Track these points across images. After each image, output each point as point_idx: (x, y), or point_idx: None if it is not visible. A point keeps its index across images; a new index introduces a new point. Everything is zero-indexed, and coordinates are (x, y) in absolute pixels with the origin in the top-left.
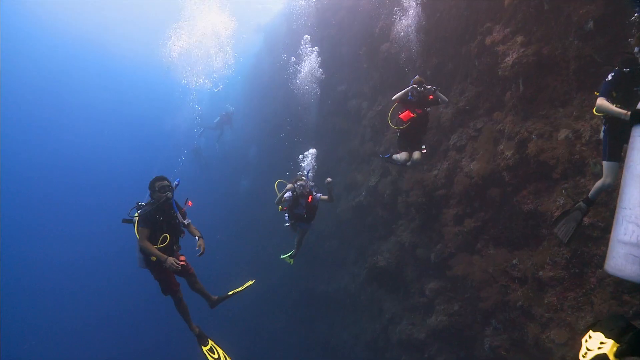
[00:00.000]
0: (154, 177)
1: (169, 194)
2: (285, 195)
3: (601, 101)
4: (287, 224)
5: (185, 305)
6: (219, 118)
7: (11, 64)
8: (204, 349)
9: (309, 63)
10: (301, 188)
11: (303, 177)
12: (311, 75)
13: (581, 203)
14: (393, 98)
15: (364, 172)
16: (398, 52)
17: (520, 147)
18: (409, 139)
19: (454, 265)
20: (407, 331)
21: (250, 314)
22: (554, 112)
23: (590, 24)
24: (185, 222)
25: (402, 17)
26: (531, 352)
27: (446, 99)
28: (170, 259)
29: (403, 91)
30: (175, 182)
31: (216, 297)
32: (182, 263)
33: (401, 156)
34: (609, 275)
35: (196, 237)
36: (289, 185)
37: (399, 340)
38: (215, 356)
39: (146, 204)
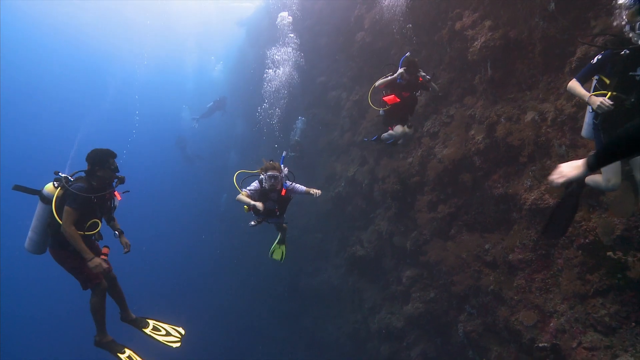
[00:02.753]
0: (103, 150)
1: (122, 177)
2: (249, 189)
3: (572, 82)
4: (253, 223)
5: (104, 302)
6: (212, 103)
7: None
8: (122, 356)
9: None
10: (272, 180)
11: (275, 164)
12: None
13: (574, 187)
14: (376, 84)
15: (343, 162)
16: (373, 41)
17: (489, 131)
18: (394, 117)
19: (428, 251)
20: (386, 320)
21: (234, 309)
22: (521, 95)
23: (552, 5)
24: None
25: (376, 5)
26: (502, 335)
27: (437, 89)
28: (97, 260)
29: (389, 78)
30: None
31: (135, 316)
32: (102, 257)
33: (397, 129)
34: (575, 256)
35: (116, 232)
36: (256, 185)
37: (378, 330)
38: None
39: (81, 180)
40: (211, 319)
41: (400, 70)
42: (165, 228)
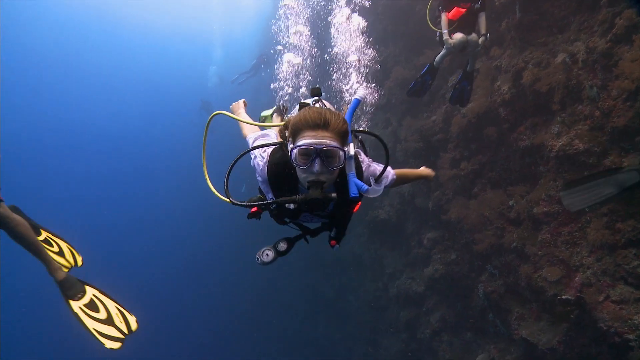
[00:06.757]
0: None
1: None
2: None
3: None
4: (267, 258)
5: (22, 223)
6: (255, 60)
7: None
8: (75, 304)
9: None
10: (315, 171)
11: (328, 115)
12: None
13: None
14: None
15: (365, 128)
16: None
17: (516, 79)
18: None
19: (450, 209)
20: (406, 285)
21: (255, 281)
22: (552, 39)
23: None
24: None
25: None
26: (524, 295)
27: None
28: None
29: None
30: None
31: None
32: None
33: (457, 36)
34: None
35: None
36: (259, 164)
37: (398, 295)
38: (102, 316)
39: None
40: (233, 290)
41: None
42: (191, 203)
